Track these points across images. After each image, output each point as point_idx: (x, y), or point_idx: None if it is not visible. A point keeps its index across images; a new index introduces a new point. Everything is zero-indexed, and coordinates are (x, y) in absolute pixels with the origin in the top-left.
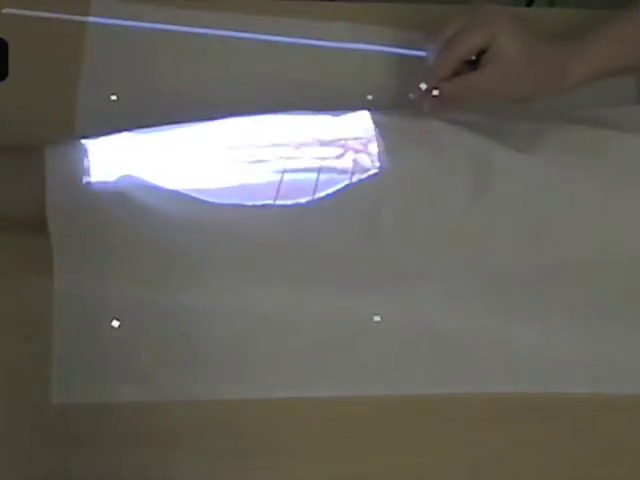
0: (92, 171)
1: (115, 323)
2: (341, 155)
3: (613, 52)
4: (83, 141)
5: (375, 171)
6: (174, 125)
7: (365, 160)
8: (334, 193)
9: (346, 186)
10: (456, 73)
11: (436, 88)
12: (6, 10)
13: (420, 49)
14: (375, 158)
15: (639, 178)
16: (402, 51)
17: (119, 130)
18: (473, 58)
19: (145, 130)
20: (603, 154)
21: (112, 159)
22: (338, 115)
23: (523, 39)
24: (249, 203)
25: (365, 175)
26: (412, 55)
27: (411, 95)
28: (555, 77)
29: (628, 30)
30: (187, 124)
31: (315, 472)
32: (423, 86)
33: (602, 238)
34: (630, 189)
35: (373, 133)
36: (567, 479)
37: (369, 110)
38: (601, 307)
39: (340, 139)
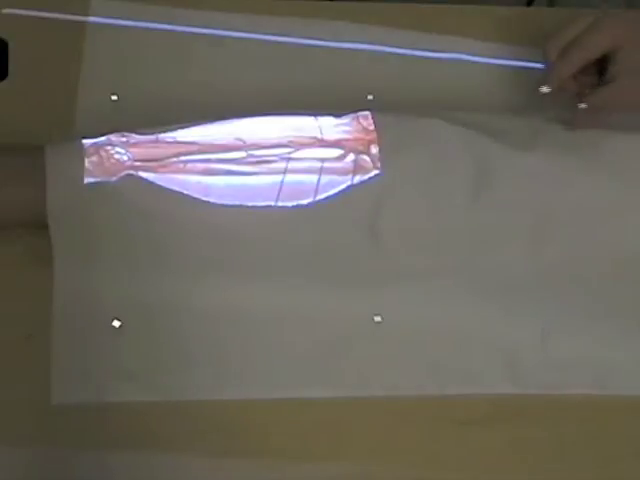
0: (92, 171)
1: (115, 323)
2: (342, 156)
3: None
4: (83, 141)
5: (376, 172)
6: (174, 125)
7: (366, 161)
8: (335, 194)
9: (347, 187)
10: (573, 77)
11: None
12: (6, 10)
13: (537, 61)
14: (376, 159)
15: (639, 178)
16: (520, 63)
17: (119, 130)
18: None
19: (146, 131)
20: (603, 154)
21: (113, 159)
22: (339, 116)
23: None
24: (250, 204)
25: (366, 176)
26: (530, 67)
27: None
28: None
29: None
30: (188, 124)
31: (314, 472)
32: (544, 89)
33: (602, 238)
34: (630, 189)
35: (374, 134)
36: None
37: (369, 110)
38: (602, 307)
39: (341, 140)
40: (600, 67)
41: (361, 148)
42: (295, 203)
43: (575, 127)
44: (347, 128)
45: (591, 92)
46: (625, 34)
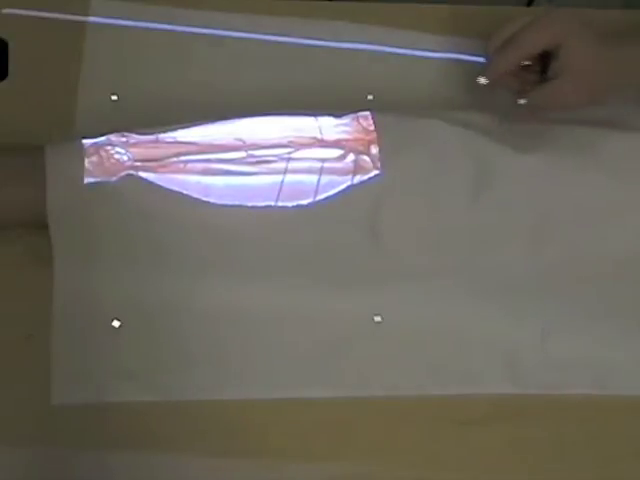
0: (92, 171)
1: (115, 323)
2: (342, 156)
3: None
4: (83, 141)
5: (376, 172)
6: (174, 125)
7: (366, 161)
8: (335, 194)
9: (347, 187)
10: (513, 74)
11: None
12: (6, 10)
13: (478, 54)
14: (376, 159)
15: (638, 178)
16: (460, 56)
17: (119, 130)
18: (527, 63)
19: (146, 131)
20: (603, 154)
21: (112, 159)
22: (339, 116)
23: (591, 42)
24: (250, 204)
25: (366, 176)
26: (470, 61)
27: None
28: (619, 77)
29: None
30: (188, 124)
31: (314, 472)
32: (482, 80)
33: (602, 238)
34: (630, 189)
35: (374, 134)
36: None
37: (369, 110)
38: (602, 307)
39: (341, 140)
40: (543, 65)
41: (361, 148)
42: (295, 203)
43: (513, 121)
44: (347, 128)
45: (532, 89)
46: (566, 32)
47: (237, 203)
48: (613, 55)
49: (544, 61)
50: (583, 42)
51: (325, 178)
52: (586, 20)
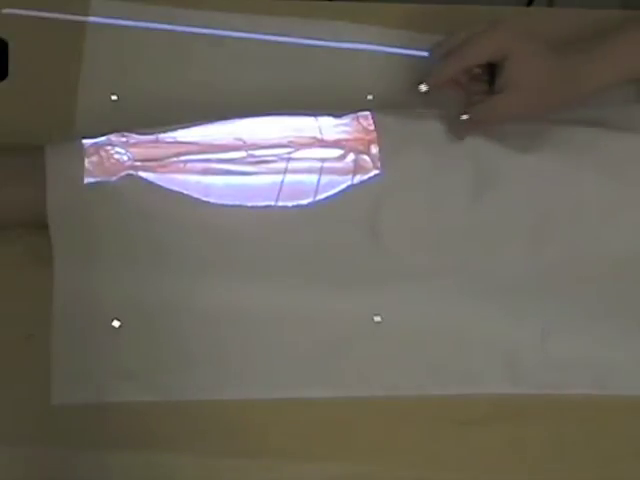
0: (92, 171)
1: (115, 323)
2: (342, 156)
3: (630, 61)
4: (83, 141)
5: (376, 172)
6: (174, 125)
7: (366, 161)
8: (335, 194)
9: (347, 187)
10: (458, 83)
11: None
12: (6, 10)
13: (423, 49)
14: (376, 159)
15: (638, 177)
16: (405, 51)
17: (119, 130)
18: (478, 71)
19: (145, 131)
20: (603, 154)
21: (112, 159)
22: (339, 116)
23: (538, 56)
24: (250, 204)
25: (366, 176)
26: (414, 55)
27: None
28: (570, 90)
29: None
30: (188, 124)
31: (314, 472)
32: (423, 87)
33: (602, 238)
34: (630, 188)
35: (374, 134)
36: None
37: (369, 110)
38: (602, 307)
39: (341, 140)
40: (492, 75)
41: (361, 148)
42: (295, 203)
43: (457, 137)
44: (347, 128)
45: (477, 103)
46: (511, 44)
47: (237, 203)
48: (565, 66)
49: (493, 71)
50: (530, 54)
51: (325, 178)
52: (535, 31)
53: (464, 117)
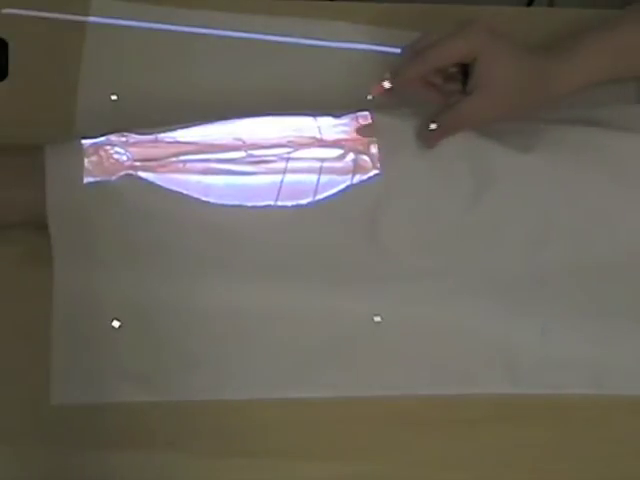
0: (92, 171)
1: (115, 323)
2: (341, 156)
3: (601, 62)
4: (83, 141)
5: (375, 172)
6: (174, 125)
7: (365, 161)
8: (334, 194)
9: (346, 187)
10: (428, 83)
11: (434, 122)
12: (6, 10)
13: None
14: (375, 159)
15: (638, 178)
16: (378, 48)
17: (119, 130)
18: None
19: (145, 130)
20: (603, 154)
21: (112, 159)
22: (338, 116)
23: (509, 58)
24: (250, 204)
25: (365, 176)
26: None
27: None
28: (541, 92)
29: (617, 43)
30: (188, 124)
31: (315, 472)
32: (386, 84)
33: (602, 238)
34: (630, 189)
35: (373, 134)
36: None
37: (369, 110)
38: (601, 307)
39: (340, 140)
40: (466, 77)
41: (360, 148)
42: (295, 203)
43: (427, 145)
44: (346, 128)
45: (446, 109)
46: (481, 46)
47: (237, 203)
48: (535, 66)
49: (467, 71)
50: (499, 54)
51: (324, 178)
52: (502, 33)
53: (432, 127)
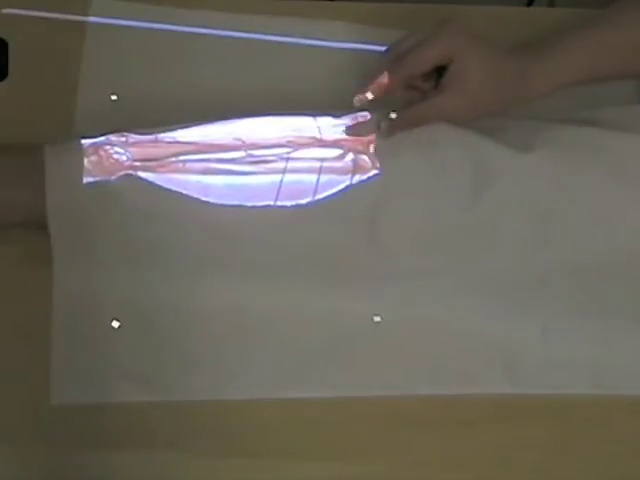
0: (91, 171)
1: (115, 323)
2: (341, 156)
3: (579, 64)
4: (83, 141)
5: (375, 172)
6: (174, 125)
7: (365, 161)
8: (334, 194)
9: (346, 187)
10: (410, 86)
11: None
12: (6, 10)
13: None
14: (375, 159)
15: (638, 178)
16: (379, 48)
17: (119, 130)
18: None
19: (145, 130)
20: (603, 154)
21: (112, 159)
22: (338, 116)
23: (484, 58)
24: (249, 204)
25: (365, 176)
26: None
27: (356, 100)
28: (519, 90)
29: (596, 42)
30: (187, 124)
31: (315, 472)
32: (369, 96)
33: (602, 238)
34: (630, 189)
35: (373, 134)
36: None
37: (368, 110)
38: (601, 307)
39: (340, 140)
40: (440, 75)
41: (360, 148)
42: (294, 203)
43: (387, 134)
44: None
45: (412, 104)
46: (457, 47)
47: (236, 203)
48: (514, 65)
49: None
50: (476, 54)
51: (324, 178)
52: (477, 33)
53: (392, 116)
